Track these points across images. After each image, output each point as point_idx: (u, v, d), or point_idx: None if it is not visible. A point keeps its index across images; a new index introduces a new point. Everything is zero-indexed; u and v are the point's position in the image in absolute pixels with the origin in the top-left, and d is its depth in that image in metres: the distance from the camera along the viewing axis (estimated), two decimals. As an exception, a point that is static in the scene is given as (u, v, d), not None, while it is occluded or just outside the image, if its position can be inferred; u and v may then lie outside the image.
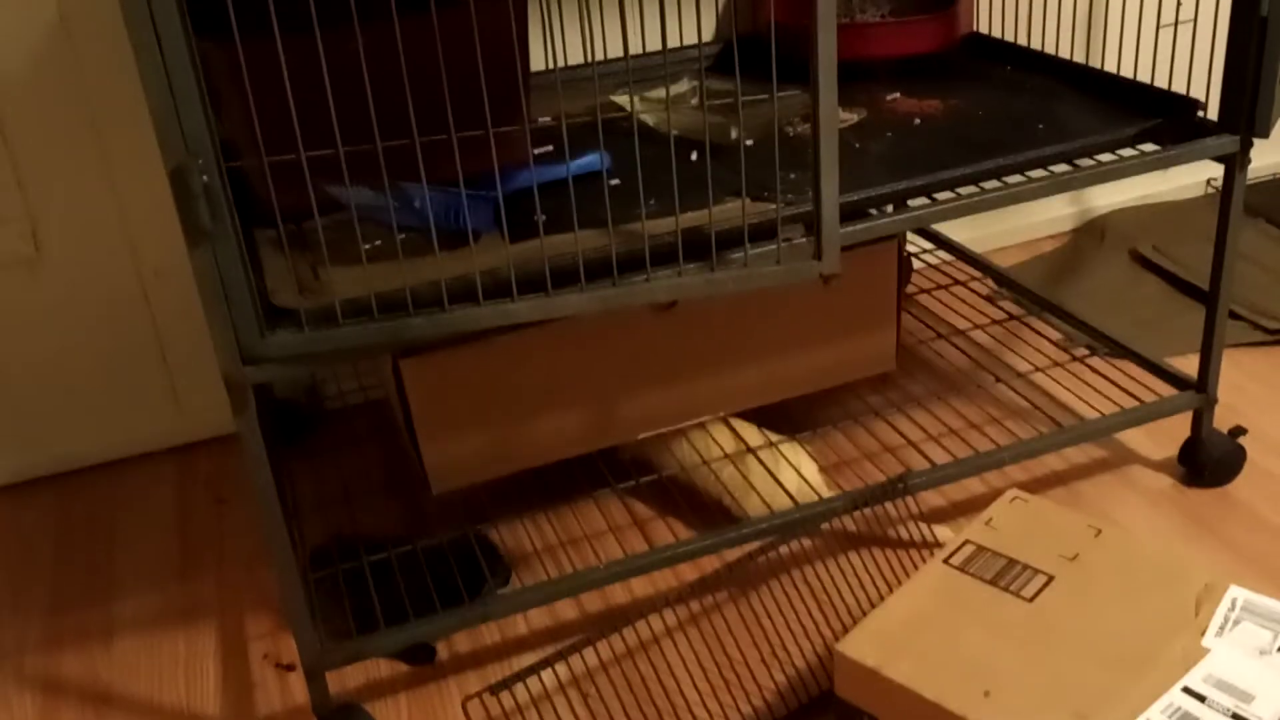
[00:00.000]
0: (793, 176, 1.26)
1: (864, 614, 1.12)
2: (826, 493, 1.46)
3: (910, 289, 2.06)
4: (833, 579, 1.41)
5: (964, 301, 1.98)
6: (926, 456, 1.56)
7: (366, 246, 1.16)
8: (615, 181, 1.27)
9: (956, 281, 2.01)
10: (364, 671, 1.35)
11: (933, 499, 1.55)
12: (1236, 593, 1.12)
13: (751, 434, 1.52)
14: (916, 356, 1.86)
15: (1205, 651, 1.06)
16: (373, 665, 1.36)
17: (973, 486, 1.57)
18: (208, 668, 1.39)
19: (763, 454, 1.49)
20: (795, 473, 1.47)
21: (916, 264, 2.13)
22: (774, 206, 1.18)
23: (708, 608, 1.39)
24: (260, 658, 1.39)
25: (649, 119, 1.43)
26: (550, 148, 1.34)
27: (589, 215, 1.17)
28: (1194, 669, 1.04)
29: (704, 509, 1.51)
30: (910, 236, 2.07)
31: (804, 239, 1.17)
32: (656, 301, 1.10)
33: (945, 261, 2.09)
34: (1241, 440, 1.56)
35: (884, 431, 1.68)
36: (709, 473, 1.49)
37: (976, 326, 1.91)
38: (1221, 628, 1.08)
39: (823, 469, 1.53)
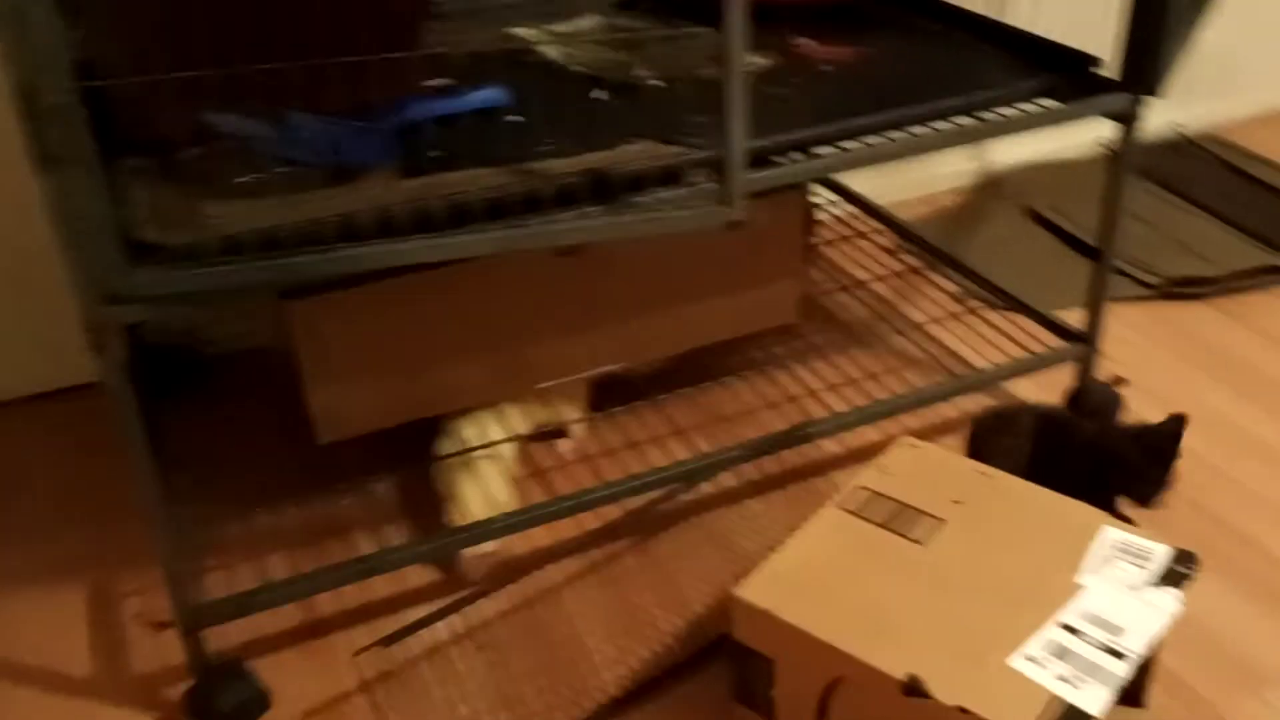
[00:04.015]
0: (701, 119, 1.24)
1: (763, 560, 1.12)
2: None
3: (814, 240, 2.06)
4: (732, 526, 1.41)
5: (865, 254, 1.99)
6: (825, 405, 1.57)
7: (247, 179, 1.09)
8: (517, 118, 1.24)
9: (859, 234, 2.01)
10: (247, 627, 1.31)
11: (831, 446, 1.56)
12: (1110, 532, 1.15)
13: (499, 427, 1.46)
14: (818, 307, 1.87)
15: (1081, 588, 1.09)
16: (257, 620, 1.32)
17: (870, 434, 1.59)
18: (79, 629, 1.33)
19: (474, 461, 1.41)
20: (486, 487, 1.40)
21: (820, 215, 2.14)
22: (681, 150, 1.16)
23: (608, 556, 1.38)
24: (133, 616, 1.34)
25: (553, 53, 1.39)
26: (448, 80, 1.29)
27: (488, 152, 1.13)
28: (1070, 605, 1.07)
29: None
30: (814, 188, 2.07)
31: (711, 184, 1.15)
32: (558, 245, 1.08)
33: (849, 214, 2.09)
34: (1121, 390, 1.61)
35: (785, 381, 1.69)
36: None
37: (877, 278, 1.93)
38: (1096, 566, 1.11)
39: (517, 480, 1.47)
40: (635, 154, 1.15)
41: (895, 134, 1.28)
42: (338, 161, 1.11)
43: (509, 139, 1.16)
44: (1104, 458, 1.33)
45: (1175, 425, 1.31)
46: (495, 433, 1.43)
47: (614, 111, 1.11)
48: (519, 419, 1.46)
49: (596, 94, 1.28)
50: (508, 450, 1.44)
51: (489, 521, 1.25)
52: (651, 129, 1.16)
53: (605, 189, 1.10)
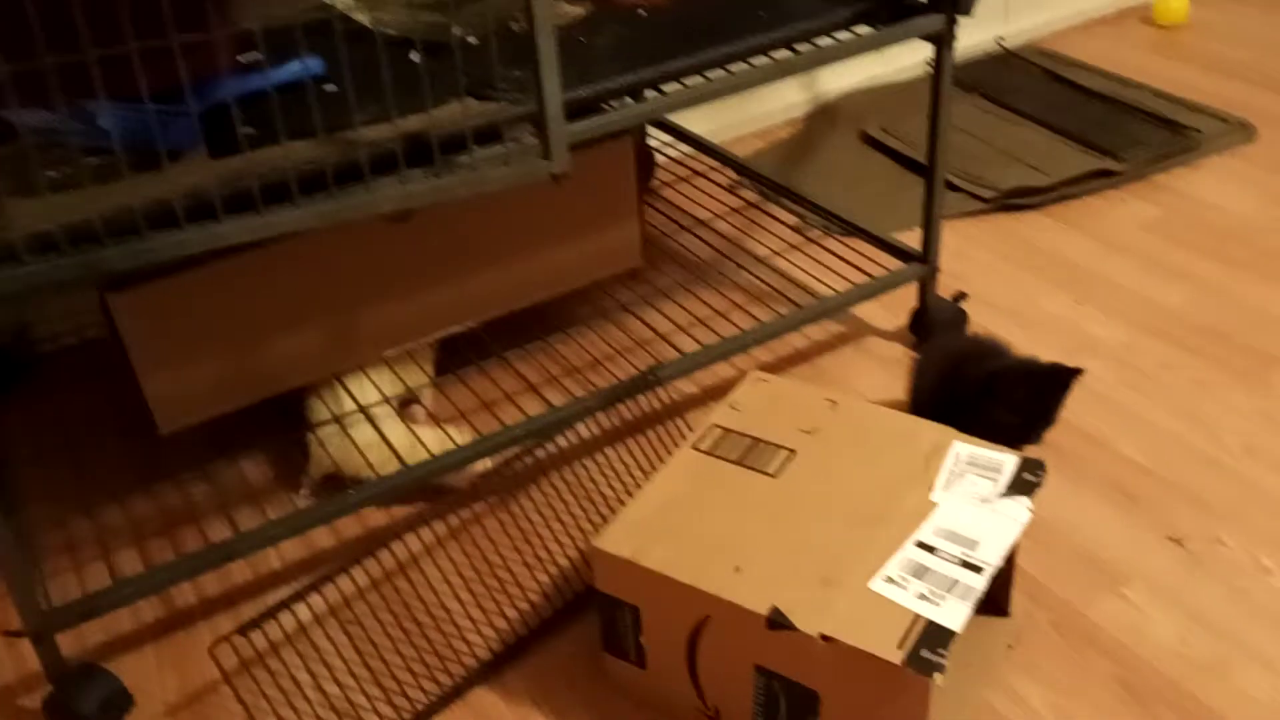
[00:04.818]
0: (517, 74, 1.22)
1: (621, 507, 1.13)
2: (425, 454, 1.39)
3: (654, 184, 2.06)
4: (590, 476, 1.42)
5: (705, 193, 2.00)
6: (675, 347, 1.58)
7: (52, 174, 1.05)
8: (330, 87, 1.20)
9: (698, 173, 2.02)
10: (105, 626, 1.28)
11: (686, 387, 1.58)
12: (960, 447, 1.19)
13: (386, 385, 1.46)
14: (662, 250, 1.88)
15: (934, 505, 1.12)
16: (115, 618, 1.28)
17: (723, 371, 1.61)
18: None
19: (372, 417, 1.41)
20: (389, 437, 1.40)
21: (659, 158, 2.14)
22: (499, 106, 1.14)
23: (468, 520, 1.38)
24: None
25: (364, 19, 1.35)
26: (257, 54, 1.25)
27: (303, 125, 1.10)
28: (924, 523, 1.10)
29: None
30: (653, 131, 2.07)
31: (532, 139, 1.14)
32: (380, 212, 1.05)
33: (687, 155, 2.10)
34: (964, 304, 1.66)
35: (634, 326, 1.69)
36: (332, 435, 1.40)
37: (718, 216, 1.94)
38: (948, 482, 1.15)
39: (442, 422, 1.47)
40: (452, 114, 1.13)
41: (715, 73, 1.28)
42: (147, 148, 1.06)
43: (324, 110, 1.12)
44: (990, 401, 1.37)
45: (1067, 376, 1.36)
46: (370, 390, 1.42)
47: (430, 73, 1.08)
48: (383, 381, 1.45)
49: (412, 56, 1.25)
50: (426, 395, 1.46)
51: (343, 496, 1.24)
52: (468, 88, 1.14)
53: (425, 152, 1.08)
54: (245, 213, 1.01)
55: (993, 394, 1.36)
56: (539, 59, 1.05)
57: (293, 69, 1.20)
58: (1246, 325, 1.65)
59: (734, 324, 1.65)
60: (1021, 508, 1.12)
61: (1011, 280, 1.78)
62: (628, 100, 1.24)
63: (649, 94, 1.26)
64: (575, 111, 1.18)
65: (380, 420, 1.39)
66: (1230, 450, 1.43)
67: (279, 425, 1.52)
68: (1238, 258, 1.79)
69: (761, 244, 1.89)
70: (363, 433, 1.37)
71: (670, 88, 1.27)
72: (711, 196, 2.00)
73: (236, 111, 1.10)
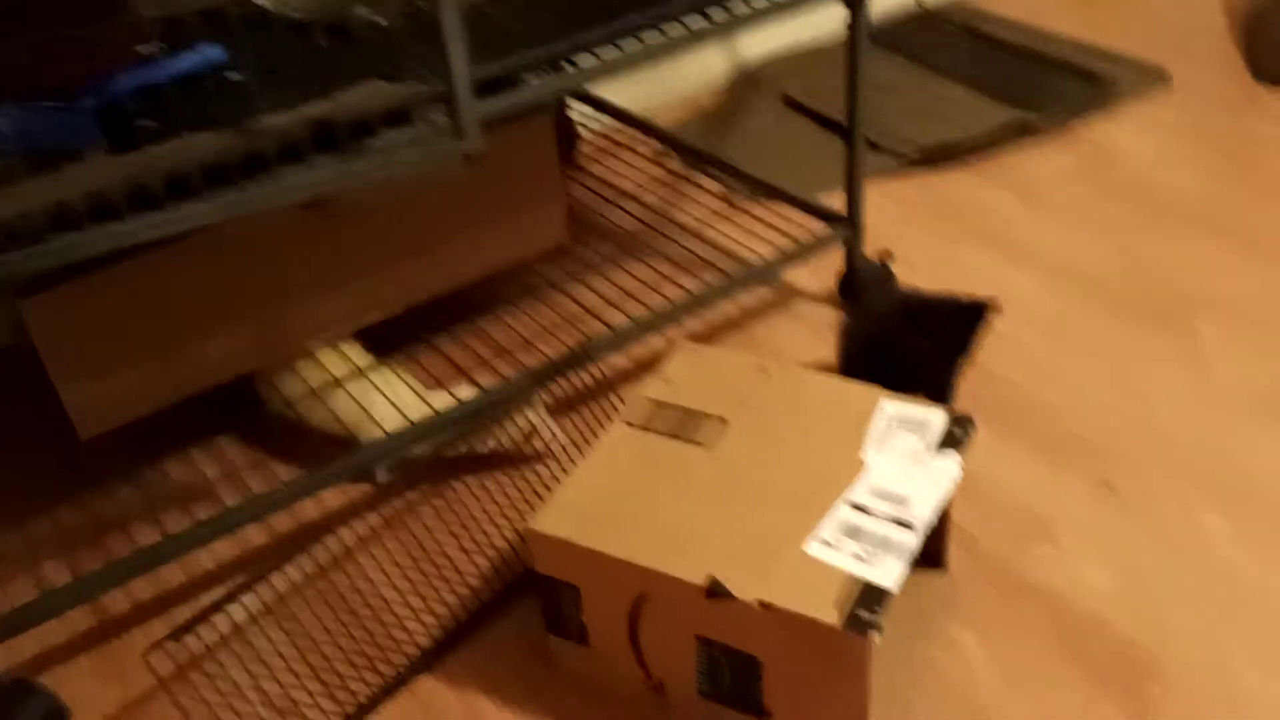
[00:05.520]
0: (425, 53, 1.20)
1: (556, 486, 1.13)
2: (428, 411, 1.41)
3: (579, 158, 2.05)
4: (529, 456, 1.41)
5: (631, 165, 1.99)
6: (606, 322, 1.58)
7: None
8: (234, 76, 1.17)
9: (622, 145, 2.01)
10: (37, 639, 1.25)
11: (621, 362, 1.58)
12: (888, 406, 1.20)
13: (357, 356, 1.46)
14: (589, 224, 1.87)
15: (866, 466, 1.13)
16: (47, 630, 1.26)
17: (656, 344, 1.60)
18: None
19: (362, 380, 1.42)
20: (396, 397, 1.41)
21: (583, 132, 2.12)
22: (407, 87, 1.12)
23: (401, 509, 1.36)
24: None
25: (265, 2, 1.32)
26: (159, 45, 1.21)
27: (206, 116, 1.07)
28: (856, 484, 1.11)
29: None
30: (575, 105, 2.05)
31: (443, 119, 1.12)
32: (289, 202, 1.03)
33: (611, 127, 2.09)
34: (891, 264, 1.66)
35: (563, 303, 1.68)
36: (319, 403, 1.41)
37: (644, 188, 1.93)
38: (879, 441, 1.16)
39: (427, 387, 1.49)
40: (359, 97, 1.10)
41: (627, 42, 1.27)
42: (42, 149, 1.03)
43: (228, 99, 1.10)
44: (910, 332, 1.38)
45: (982, 308, 1.36)
46: (333, 363, 1.42)
47: (336, 56, 1.06)
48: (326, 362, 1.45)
49: (317, 40, 1.22)
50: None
51: (270, 494, 1.22)
52: (376, 69, 1.12)
53: (333, 137, 1.06)
54: (149, 210, 0.98)
55: (912, 322, 1.37)
56: (444, 35, 1.03)
57: (194, 59, 1.17)
58: (1165, 271, 1.67)
59: (664, 295, 1.65)
60: (952, 463, 1.13)
61: (936, 237, 1.79)
62: (542, 75, 1.23)
63: (566, 68, 1.25)
64: (488, 88, 1.16)
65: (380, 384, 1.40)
66: (1152, 396, 1.45)
67: (208, 422, 1.50)
68: (1155, 204, 1.82)
69: (689, 214, 1.88)
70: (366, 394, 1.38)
71: (588, 61, 1.26)
72: (637, 169, 1.99)
73: (141, 103, 1.07)
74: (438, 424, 1.30)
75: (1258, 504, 1.29)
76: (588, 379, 1.54)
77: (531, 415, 1.39)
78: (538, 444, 1.41)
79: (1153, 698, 1.10)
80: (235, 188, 1.01)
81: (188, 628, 1.07)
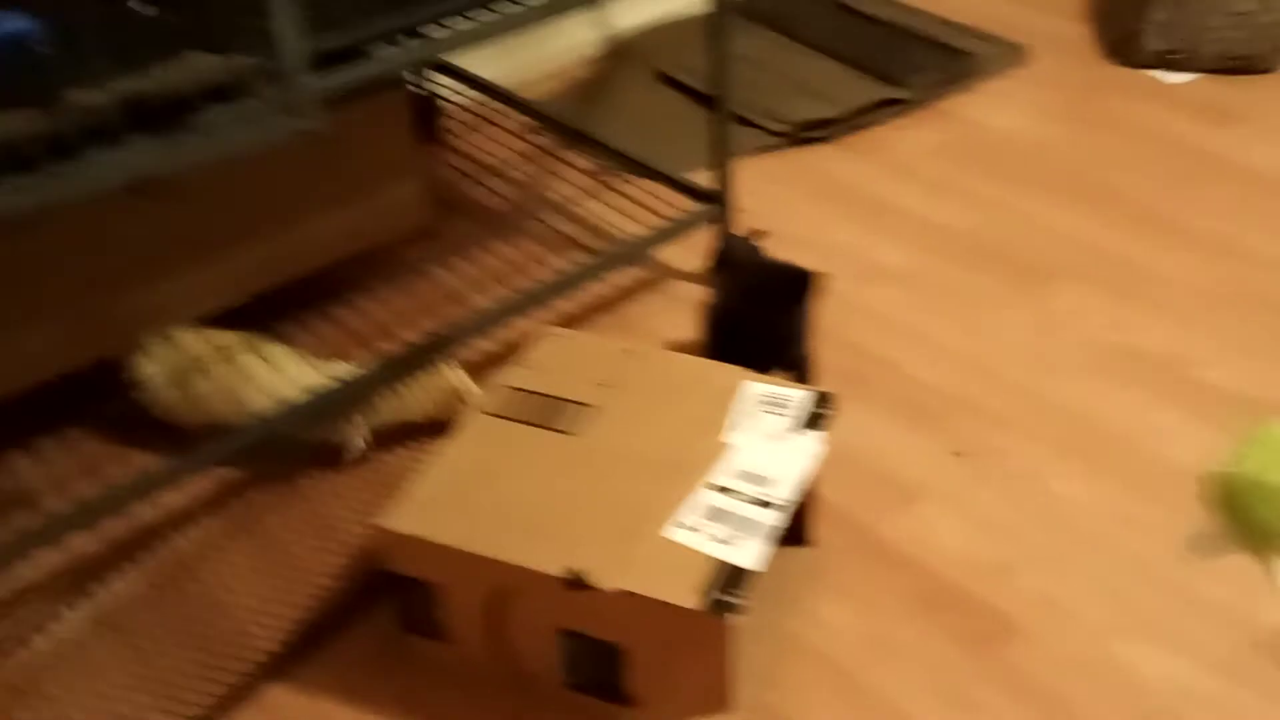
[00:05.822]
0: (258, 23, 1.13)
1: (408, 481, 1.08)
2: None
3: (441, 133, 1.98)
4: (378, 450, 1.35)
5: (497, 140, 1.93)
6: (472, 305, 1.52)
7: None
8: (42, 49, 1.08)
9: (489, 120, 1.95)
10: None
11: (488, 346, 1.52)
12: (750, 387, 1.17)
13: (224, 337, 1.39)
14: (453, 203, 1.80)
15: (728, 447, 1.11)
16: None
17: (524, 326, 1.55)
18: None
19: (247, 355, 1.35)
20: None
21: (446, 106, 2.05)
22: (234, 60, 1.05)
23: (248, 506, 1.29)
24: None
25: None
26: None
27: (10, 94, 0.99)
28: (719, 465, 1.09)
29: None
30: (437, 78, 1.98)
31: (277, 94, 1.05)
32: (106, 188, 0.96)
33: (476, 101, 2.02)
34: (761, 241, 1.64)
35: (425, 286, 1.62)
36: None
37: (510, 165, 1.88)
38: (741, 422, 1.13)
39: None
40: (183, 71, 1.03)
41: (477, 12, 1.21)
42: None
43: (36, 75, 1.01)
44: (756, 337, 1.36)
45: (806, 275, 1.34)
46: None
47: (159, 26, 0.99)
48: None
49: (135, 7, 1.14)
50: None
51: (92, 503, 1.14)
52: (202, 40, 1.05)
53: (153, 115, 0.98)
54: (-56, 195, 0.90)
55: (762, 297, 1.35)
56: (272, 4, 0.97)
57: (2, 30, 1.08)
58: (1025, 241, 1.69)
59: (532, 275, 1.60)
60: (814, 441, 1.11)
61: (805, 212, 1.78)
62: (387, 47, 1.17)
63: (413, 41, 1.19)
64: (331, 61, 1.10)
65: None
66: (1009, 363, 1.47)
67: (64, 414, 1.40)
68: (1014, 176, 1.84)
69: (558, 191, 1.83)
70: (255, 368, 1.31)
71: (440, 32, 1.20)
72: (502, 144, 1.93)
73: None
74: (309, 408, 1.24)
75: (1101, 462, 1.33)
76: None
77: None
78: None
79: (1009, 655, 1.13)
80: (43, 174, 0.93)
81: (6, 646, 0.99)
